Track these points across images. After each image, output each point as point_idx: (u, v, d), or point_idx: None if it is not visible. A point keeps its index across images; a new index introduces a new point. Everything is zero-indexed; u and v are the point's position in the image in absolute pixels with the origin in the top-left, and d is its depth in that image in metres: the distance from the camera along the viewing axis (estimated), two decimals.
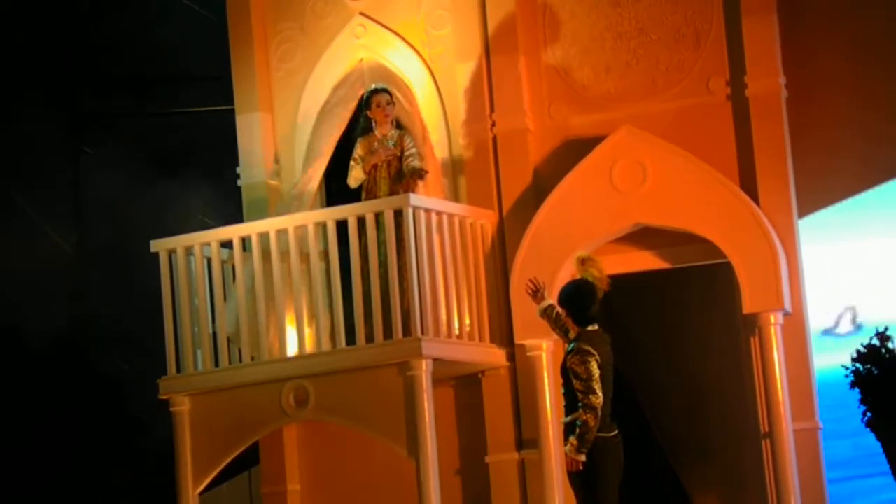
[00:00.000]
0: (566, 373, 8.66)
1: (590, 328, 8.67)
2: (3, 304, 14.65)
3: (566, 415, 8.68)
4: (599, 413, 8.47)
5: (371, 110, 10.62)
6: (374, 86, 10.76)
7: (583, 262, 8.86)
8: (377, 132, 10.63)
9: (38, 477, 14.45)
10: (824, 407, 9.92)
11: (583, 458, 8.50)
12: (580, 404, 8.51)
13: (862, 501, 10.55)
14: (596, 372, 8.48)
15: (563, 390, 8.74)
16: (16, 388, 14.65)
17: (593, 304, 8.70)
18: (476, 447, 10.50)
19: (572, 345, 8.66)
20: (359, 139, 10.67)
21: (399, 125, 10.76)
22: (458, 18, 10.86)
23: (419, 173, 10.42)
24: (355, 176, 10.61)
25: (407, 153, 10.54)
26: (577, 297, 8.73)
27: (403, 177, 10.49)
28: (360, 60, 11.14)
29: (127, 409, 14.56)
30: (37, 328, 14.88)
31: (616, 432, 8.62)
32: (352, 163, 10.63)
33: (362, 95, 10.81)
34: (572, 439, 8.53)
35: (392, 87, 10.82)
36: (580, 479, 8.59)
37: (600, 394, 8.47)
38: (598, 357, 8.53)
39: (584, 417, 8.47)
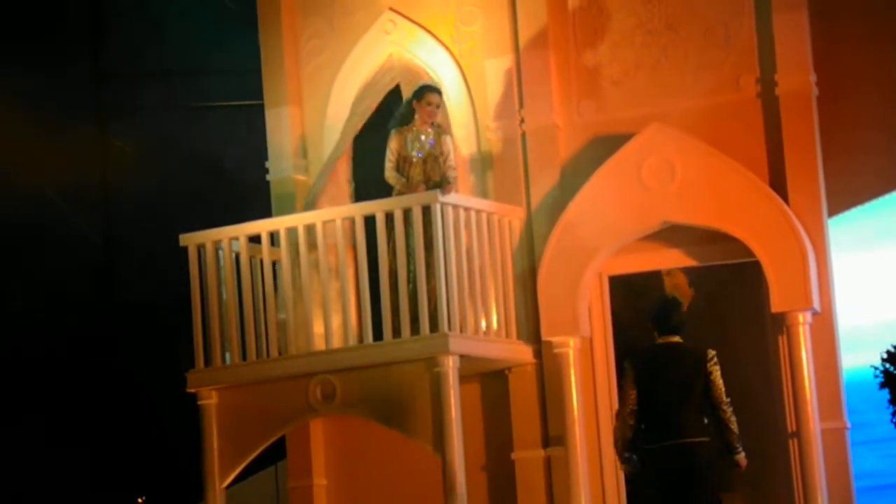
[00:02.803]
0: None
1: (660, 340, 8.83)
2: (31, 296, 14.70)
3: None
4: (618, 422, 8.75)
5: (420, 104, 10.48)
6: (432, 84, 10.67)
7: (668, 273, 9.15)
8: (416, 126, 10.53)
9: (64, 468, 14.51)
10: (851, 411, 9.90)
11: (624, 466, 8.84)
12: None
13: None
14: (625, 384, 8.76)
15: None
16: (42, 380, 14.71)
17: (663, 317, 8.93)
18: (502, 444, 10.49)
19: None
20: (394, 131, 10.53)
21: (435, 122, 10.68)
22: (488, 14, 10.84)
23: (451, 187, 10.29)
24: (391, 177, 10.49)
25: (448, 162, 10.45)
26: (654, 310, 9.04)
27: (444, 184, 10.40)
28: (390, 56, 11.14)
29: (154, 402, 14.59)
30: (65, 319, 14.94)
31: (659, 444, 8.67)
32: (389, 155, 10.47)
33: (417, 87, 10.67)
34: None
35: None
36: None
37: (623, 407, 8.74)
38: (633, 369, 8.77)
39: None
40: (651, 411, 8.67)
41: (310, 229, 10.24)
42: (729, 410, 8.81)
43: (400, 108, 10.71)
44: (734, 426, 8.83)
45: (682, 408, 8.67)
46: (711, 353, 8.81)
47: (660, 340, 8.82)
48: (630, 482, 9.88)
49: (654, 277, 10.39)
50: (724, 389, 8.83)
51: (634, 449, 8.73)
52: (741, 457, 8.88)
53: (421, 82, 10.77)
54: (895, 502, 10.38)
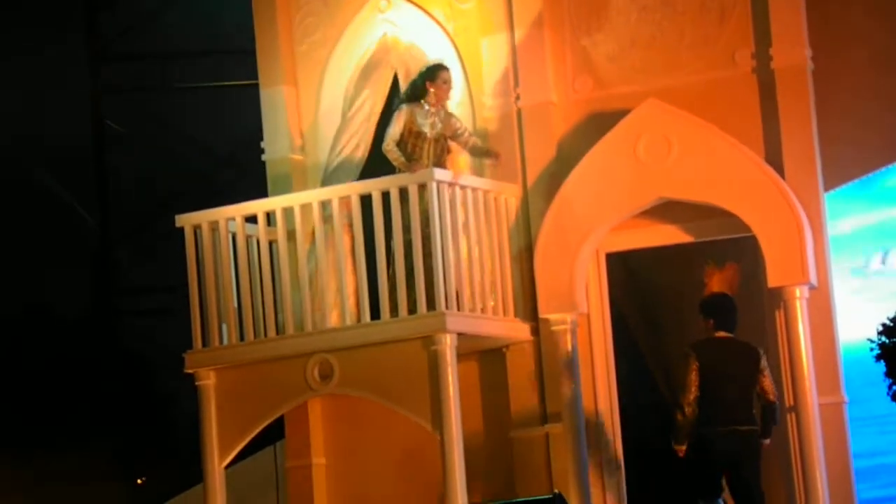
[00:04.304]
0: None
1: (717, 334, 9.43)
2: (30, 281, 14.72)
3: None
4: (687, 410, 9.28)
5: (435, 83, 10.40)
6: (438, 62, 10.57)
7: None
8: (428, 104, 10.42)
9: (66, 450, 14.54)
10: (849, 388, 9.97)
11: (680, 447, 9.34)
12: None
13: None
14: (691, 373, 9.28)
15: None
16: (44, 364, 14.74)
17: (725, 314, 9.51)
18: (500, 421, 10.50)
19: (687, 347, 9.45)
20: (405, 105, 10.42)
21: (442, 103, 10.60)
22: None
23: (492, 154, 10.44)
24: (391, 149, 10.40)
25: (468, 135, 10.45)
26: (710, 307, 9.59)
27: (484, 153, 10.43)
28: (384, 35, 11.11)
29: (153, 383, 14.62)
30: (64, 303, 14.96)
31: (715, 429, 9.22)
32: (394, 129, 10.33)
33: (428, 65, 10.59)
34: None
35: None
36: (694, 466, 9.35)
37: (688, 394, 9.28)
38: (697, 359, 9.31)
39: (675, 413, 9.32)
40: (709, 399, 9.25)
41: (306, 209, 10.24)
42: (777, 403, 9.53)
43: (408, 87, 10.62)
44: (778, 417, 9.61)
45: (738, 398, 9.30)
46: (762, 350, 9.52)
47: (716, 335, 9.43)
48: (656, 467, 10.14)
49: (647, 253, 10.42)
50: (774, 383, 9.52)
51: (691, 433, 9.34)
52: (769, 441, 9.59)
53: (427, 62, 10.68)
54: (892, 481, 10.39)
